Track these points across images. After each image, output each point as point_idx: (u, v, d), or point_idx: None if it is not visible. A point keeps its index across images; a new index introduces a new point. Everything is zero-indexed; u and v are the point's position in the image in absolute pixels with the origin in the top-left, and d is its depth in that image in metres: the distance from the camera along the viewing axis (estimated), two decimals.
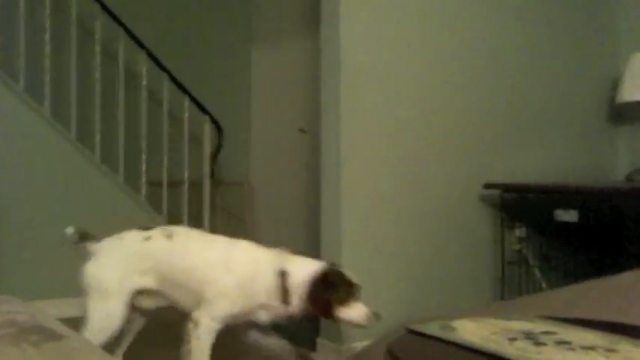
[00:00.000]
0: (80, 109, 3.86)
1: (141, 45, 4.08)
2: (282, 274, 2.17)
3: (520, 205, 3.26)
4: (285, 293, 2.17)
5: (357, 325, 2.18)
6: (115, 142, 3.99)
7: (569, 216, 2.97)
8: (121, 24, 4.00)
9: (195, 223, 4.19)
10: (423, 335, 1.72)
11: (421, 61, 3.11)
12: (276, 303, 2.19)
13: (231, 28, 5.24)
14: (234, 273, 2.19)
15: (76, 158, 3.73)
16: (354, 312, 2.16)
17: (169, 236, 2.26)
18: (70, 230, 2.28)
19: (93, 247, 2.26)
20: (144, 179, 4.06)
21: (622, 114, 3.79)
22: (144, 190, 4.05)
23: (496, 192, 3.26)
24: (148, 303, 2.29)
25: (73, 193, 3.70)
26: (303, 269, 2.19)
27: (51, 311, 3.38)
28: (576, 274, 3.39)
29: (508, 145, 3.39)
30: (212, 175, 4.50)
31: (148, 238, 2.26)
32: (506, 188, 3.19)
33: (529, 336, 1.65)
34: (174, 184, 4.21)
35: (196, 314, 2.17)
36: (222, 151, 4.61)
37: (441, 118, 3.15)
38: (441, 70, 3.17)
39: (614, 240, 3.51)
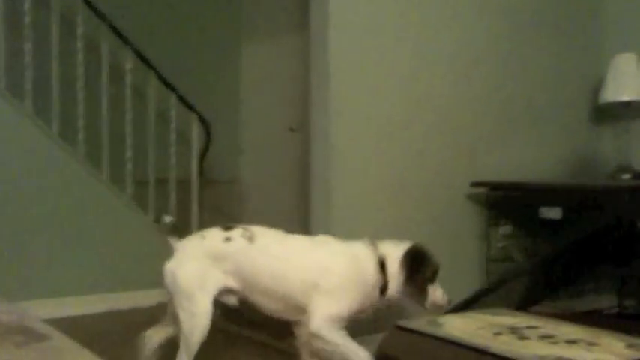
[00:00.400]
0: (63, 106, 3.82)
1: (126, 41, 4.05)
2: (382, 264, 2.17)
3: (505, 203, 3.30)
4: (385, 283, 2.17)
5: (434, 308, 2.11)
6: (99, 140, 3.95)
7: (553, 213, 3.00)
8: (104, 19, 3.96)
9: (184, 222, 4.18)
10: (411, 331, 1.75)
11: (410, 60, 3.13)
12: (377, 294, 2.18)
13: (220, 25, 5.22)
14: (336, 273, 2.17)
15: (59, 156, 3.69)
16: (437, 292, 2.15)
17: (250, 238, 2.22)
18: (168, 218, 2.26)
19: (175, 243, 2.24)
20: (130, 178, 4.04)
21: (605, 113, 3.84)
22: (130, 189, 4.03)
23: (482, 190, 3.30)
24: (232, 300, 2.26)
25: (55, 193, 3.66)
26: (396, 253, 2.20)
27: (38, 312, 3.38)
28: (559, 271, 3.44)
29: (494, 143, 3.42)
30: (201, 173, 4.48)
31: (228, 239, 2.21)
32: (492, 186, 3.22)
33: (514, 330, 1.68)
34: (162, 183, 4.19)
35: (311, 325, 2.12)
36: (211, 149, 4.59)
37: (429, 117, 3.17)
38: (429, 69, 3.19)
39: (597, 237, 3.56)
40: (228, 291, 2.23)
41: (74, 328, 3.30)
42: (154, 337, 2.35)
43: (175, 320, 2.22)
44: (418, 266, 2.17)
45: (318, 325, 2.12)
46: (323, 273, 2.18)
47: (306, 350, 2.26)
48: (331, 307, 2.13)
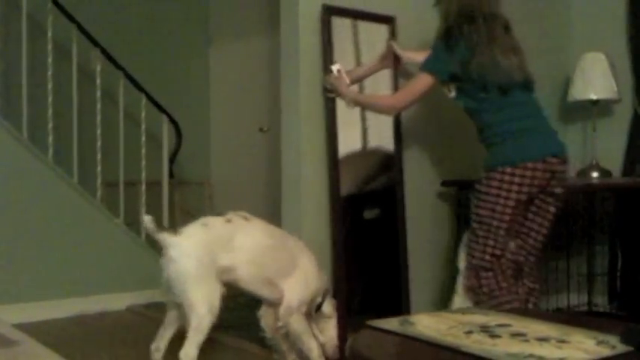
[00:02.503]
0: (32, 109, 3.76)
1: (95, 43, 4.00)
2: None
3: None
4: None
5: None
6: (68, 142, 3.89)
7: None
8: (74, 20, 3.91)
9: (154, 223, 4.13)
10: (382, 330, 1.75)
11: None
12: None
13: (189, 26, 5.19)
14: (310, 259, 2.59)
15: (27, 159, 3.63)
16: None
17: (246, 218, 2.48)
18: (148, 218, 2.28)
19: (173, 238, 2.29)
20: (99, 180, 3.98)
21: (573, 112, 3.89)
22: (99, 191, 3.97)
23: (452, 189, 3.32)
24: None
25: (24, 196, 3.60)
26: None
27: (7, 317, 3.32)
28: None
29: (465, 142, 3.44)
30: (171, 174, 4.45)
31: (229, 221, 2.42)
32: (462, 186, 3.24)
33: (485, 329, 1.69)
34: (132, 185, 4.14)
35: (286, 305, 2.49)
36: (181, 150, 4.56)
37: (400, 116, 3.18)
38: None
39: (566, 235, 3.61)
40: (222, 270, 2.34)
41: (43, 332, 3.27)
42: (160, 345, 2.39)
43: (180, 313, 2.31)
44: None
45: (292, 305, 2.48)
46: (301, 257, 2.54)
47: (271, 328, 2.57)
48: (302, 291, 2.51)
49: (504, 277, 2.56)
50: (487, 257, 2.55)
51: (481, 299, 2.57)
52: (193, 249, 2.29)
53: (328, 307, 2.65)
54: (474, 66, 2.50)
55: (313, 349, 2.53)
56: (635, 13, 3.57)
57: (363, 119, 3.05)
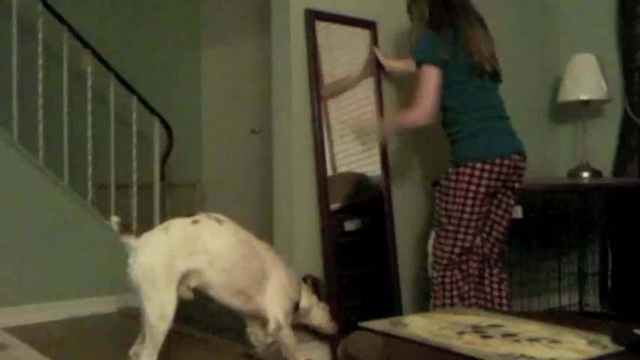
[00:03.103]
0: (22, 111, 3.75)
1: (86, 44, 3.98)
2: None
3: None
4: None
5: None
6: (59, 144, 3.88)
7: (514, 212, 3.04)
8: (64, 22, 3.89)
9: (146, 226, 4.11)
10: (374, 332, 1.74)
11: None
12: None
13: (180, 27, 5.17)
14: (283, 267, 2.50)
15: (18, 162, 3.61)
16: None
17: (218, 220, 2.38)
18: (115, 219, 2.27)
19: (134, 242, 2.25)
20: (90, 182, 3.96)
21: (563, 113, 3.91)
22: (90, 194, 3.95)
23: None
24: (187, 293, 2.33)
25: (14, 198, 3.58)
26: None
27: None
28: (521, 268, 3.49)
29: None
30: (162, 177, 4.43)
31: (195, 222, 2.34)
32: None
33: (477, 329, 1.69)
34: (123, 188, 4.12)
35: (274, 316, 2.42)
36: (172, 152, 4.55)
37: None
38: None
39: (557, 234, 3.62)
40: (188, 273, 2.28)
41: (34, 336, 3.25)
42: (139, 350, 2.33)
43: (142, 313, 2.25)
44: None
45: (280, 319, 2.41)
46: (271, 266, 2.45)
47: (262, 344, 2.53)
48: (284, 302, 2.45)
49: (469, 273, 2.65)
50: (457, 250, 2.62)
51: (445, 293, 2.63)
52: (148, 255, 2.22)
53: (305, 300, 2.57)
54: (461, 46, 2.55)
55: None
56: (625, 14, 3.59)
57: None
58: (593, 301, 3.69)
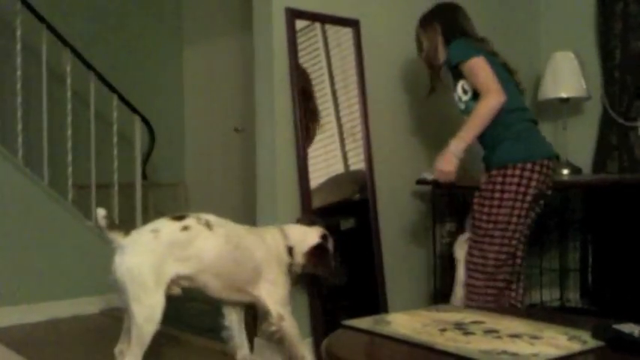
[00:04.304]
0: (1, 109, 3.70)
1: (65, 42, 3.94)
2: (290, 250, 2.54)
3: (449, 201, 3.34)
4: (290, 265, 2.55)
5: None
6: (38, 143, 3.84)
7: None
8: (43, 20, 3.85)
9: (128, 226, 4.09)
10: (358, 330, 1.75)
11: None
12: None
13: (162, 25, 5.14)
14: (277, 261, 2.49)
15: None
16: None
17: (208, 225, 2.34)
18: (101, 213, 2.22)
19: (121, 240, 2.22)
20: (70, 182, 3.93)
21: (544, 110, 3.94)
22: (70, 193, 3.92)
23: (427, 188, 3.33)
24: (176, 290, 2.32)
25: None
26: (304, 243, 2.58)
27: None
28: None
29: (438, 142, 3.46)
30: (144, 176, 4.40)
31: (186, 228, 2.29)
32: (436, 184, 3.25)
33: (459, 326, 1.70)
34: (104, 187, 4.09)
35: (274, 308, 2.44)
36: (155, 151, 4.51)
37: (376, 115, 3.18)
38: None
39: (538, 230, 3.65)
40: (178, 278, 2.28)
41: (15, 337, 3.21)
42: (124, 349, 2.32)
43: (128, 314, 2.24)
44: (320, 260, 2.55)
45: (281, 311, 2.45)
46: (264, 263, 2.45)
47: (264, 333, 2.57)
48: (282, 293, 2.47)
49: (505, 283, 2.54)
50: (502, 257, 2.49)
51: (487, 300, 2.50)
52: (136, 258, 2.20)
53: (299, 258, 2.55)
54: (492, 50, 2.58)
55: (306, 355, 2.55)
56: (604, 12, 3.63)
57: (338, 118, 3.05)
58: (573, 297, 3.73)
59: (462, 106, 2.63)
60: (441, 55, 2.68)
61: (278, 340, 2.55)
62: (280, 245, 2.51)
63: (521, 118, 2.55)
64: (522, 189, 2.45)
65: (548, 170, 2.51)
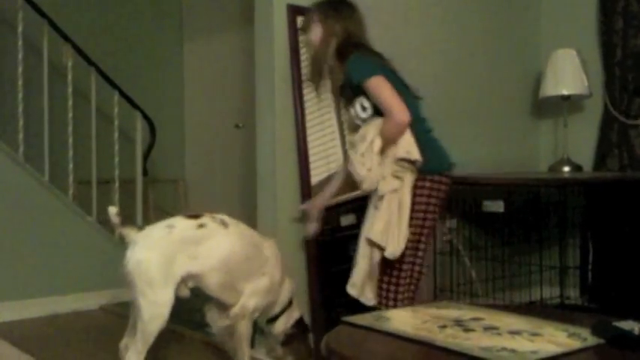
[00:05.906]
0: (2, 105, 3.70)
1: (66, 37, 3.94)
2: None
3: (450, 197, 3.34)
4: None
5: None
6: (39, 139, 3.84)
7: (496, 206, 3.06)
8: (44, 15, 3.85)
9: (128, 222, 4.09)
10: (357, 326, 1.75)
11: None
12: None
13: (163, 21, 5.14)
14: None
15: None
16: None
17: (224, 224, 2.35)
18: (113, 210, 2.23)
19: (134, 235, 2.22)
20: (71, 178, 3.93)
21: (544, 108, 3.94)
22: (72, 189, 3.92)
23: None
24: (185, 292, 2.30)
25: None
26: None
27: None
28: (503, 263, 3.52)
29: (439, 139, 3.46)
30: (145, 172, 4.40)
31: (201, 226, 2.29)
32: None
33: (459, 323, 1.71)
34: (105, 183, 4.09)
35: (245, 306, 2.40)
36: (155, 147, 4.52)
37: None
38: None
39: (538, 228, 3.65)
40: (189, 276, 2.26)
41: (15, 333, 3.22)
42: (129, 343, 2.30)
43: (135, 309, 2.23)
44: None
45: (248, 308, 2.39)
46: (271, 267, 2.45)
47: (217, 325, 2.50)
48: (262, 298, 2.43)
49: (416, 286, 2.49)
50: (417, 269, 2.45)
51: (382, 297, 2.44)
52: (147, 252, 2.19)
53: (281, 324, 2.56)
54: (388, 65, 2.46)
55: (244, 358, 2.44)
56: (605, 10, 3.62)
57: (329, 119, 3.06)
58: (573, 294, 3.73)
59: (361, 123, 2.49)
60: (330, 57, 2.53)
61: (228, 336, 2.46)
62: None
63: (421, 130, 2.46)
64: (433, 200, 2.42)
65: (441, 185, 2.45)
